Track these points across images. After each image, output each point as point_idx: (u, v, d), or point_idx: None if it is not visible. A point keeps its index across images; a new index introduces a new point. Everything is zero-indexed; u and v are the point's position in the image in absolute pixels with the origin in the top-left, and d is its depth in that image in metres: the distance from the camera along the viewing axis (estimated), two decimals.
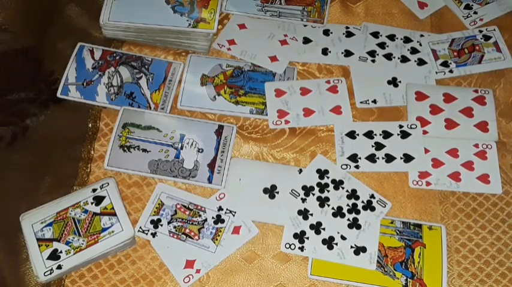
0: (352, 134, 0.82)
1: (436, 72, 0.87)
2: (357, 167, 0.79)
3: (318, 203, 0.77)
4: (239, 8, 0.93)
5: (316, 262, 0.73)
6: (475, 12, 0.92)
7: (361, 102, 0.85)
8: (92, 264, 0.74)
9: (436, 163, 0.79)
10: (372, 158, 0.80)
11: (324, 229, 0.75)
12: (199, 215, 0.77)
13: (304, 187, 0.78)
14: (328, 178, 0.79)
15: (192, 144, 0.81)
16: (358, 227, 0.75)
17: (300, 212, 0.76)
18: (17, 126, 0.83)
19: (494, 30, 0.90)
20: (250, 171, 0.80)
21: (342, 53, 0.89)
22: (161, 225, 0.76)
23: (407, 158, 0.80)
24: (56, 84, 0.86)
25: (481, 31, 0.90)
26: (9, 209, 0.76)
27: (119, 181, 0.79)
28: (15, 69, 0.89)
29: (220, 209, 0.77)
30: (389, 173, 0.80)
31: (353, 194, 0.77)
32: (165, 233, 0.76)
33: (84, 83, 0.86)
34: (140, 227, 0.76)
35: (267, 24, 0.92)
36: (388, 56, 0.89)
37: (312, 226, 0.75)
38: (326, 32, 0.91)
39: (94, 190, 0.76)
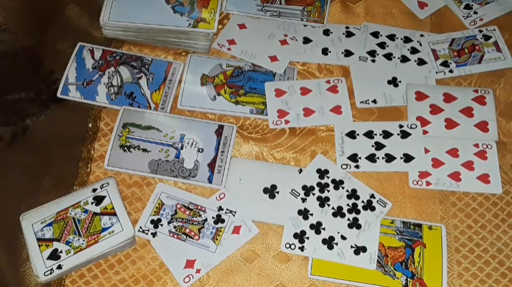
0: (352, 134, 0.82)
1: (436, 72, 0.87)
2: (357, 167, 0.79)
3: (318, 203, 0.77)
4: (239, 8, 0.93)
5: (316, 262, 0.73)
6: (475, 12, 0.92)
7: (361, 102, 0.85)
8: (92, 264, 0.74)
9: (436, 163, 0.79)
10: (372, 158, 0.80)
11: (324, 228, 0.75)
12: (200, 215, 0.77)
13: (304, 187, 0.78)
14: (328, 177, 0.79)
15: (192, 144, 0.81)
16: (358, 227, 0.75)
17: (300, 212, 0.76)
18: (17, 126, 0.83)
19: (494, 30, 0.90)
20: (250, 171, 0.80)
21: (342, 53, 0.89)
22: (161, 225, 0.76)
23: (408, 158, 0.80)
24: (56, 84, 0.86)
25: (481, 31, 0.90)
26: (9, 209, 0.76)
27: (119, 181, 0.79)
28: (15, 69, 0.89)
29: (220, 209, 0.77)
30: (389, 173, 0.80)
31: (353, 194, 0.77)
32: (165, 233, 0.76)
33: (84, 83, 0.86)
34: (140, 227, 0.76)
35: (267, 24, 0.92)
36: (388, 56, 0.89)
37: (312, 226, 0.75)
38: (326, 32, 0.91)
39: (94, 190, 0.76)
